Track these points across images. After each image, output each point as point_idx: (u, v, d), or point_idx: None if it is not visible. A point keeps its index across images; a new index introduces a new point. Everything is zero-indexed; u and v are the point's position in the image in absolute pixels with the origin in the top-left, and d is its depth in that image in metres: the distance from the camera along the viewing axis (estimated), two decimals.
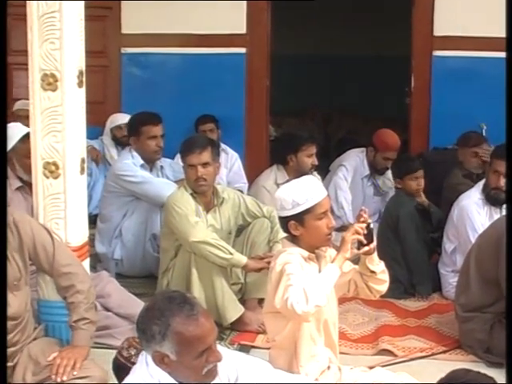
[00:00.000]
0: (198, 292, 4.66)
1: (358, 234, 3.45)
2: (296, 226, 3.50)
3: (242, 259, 4.76)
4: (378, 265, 3.57)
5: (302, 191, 3.51)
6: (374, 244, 3.50)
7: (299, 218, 3.49)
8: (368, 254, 3.51)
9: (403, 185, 5.70)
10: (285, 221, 3.55)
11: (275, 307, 3.41)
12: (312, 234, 3.52)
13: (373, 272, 3.56)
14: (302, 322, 3.43)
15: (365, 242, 3.46)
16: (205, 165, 4.92)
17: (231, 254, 4.74)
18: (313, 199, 3.50)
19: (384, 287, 3.67)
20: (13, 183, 4.66)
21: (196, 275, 4.75)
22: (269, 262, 4.06)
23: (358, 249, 3.49)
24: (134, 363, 3.20)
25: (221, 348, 2.86)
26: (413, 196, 5.69)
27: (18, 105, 7.66)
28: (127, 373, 2.99)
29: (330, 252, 3.63)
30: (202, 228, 4.82)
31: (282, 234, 3.81)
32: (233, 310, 4.79)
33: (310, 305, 3.25)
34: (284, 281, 3.37)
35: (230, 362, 2.96)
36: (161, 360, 2.73)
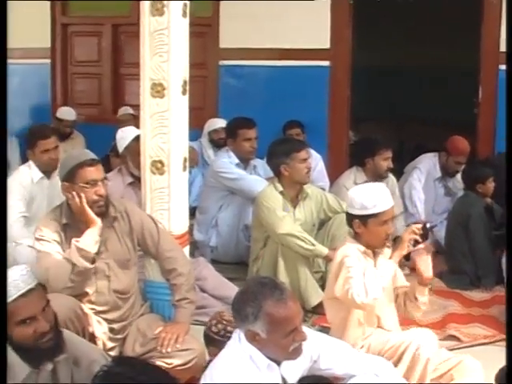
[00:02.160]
0: (284, 279, 4.65)
1: (415, 233, 3.53)
2: (359, 225, 3.55)
3: (324, 250, 4.75)
4: (424, 296, 3.60)
5: (372, 197, 3.54)
6: (428, 243, 3.56)
7: (364, 219, 3.53)
8: (423, 283, 3.55)
9: (484, 189, 5.60)
10: (351, 217, 3.59)
11: (334, 294, 3.50)
12: (371, 236, 3.55)
13: (416, 299, 3.59)
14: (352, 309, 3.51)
15: (420, 240, 3.53)
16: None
17: (314, 245, 4.74)
18: (380, 207, 3.52)
19: (417, 315, 3.70)
20: (125, 179, 4.75)
21: (282, 264, 4.77)
22: None
23: (414, 246, 3.54)
24: (221, 336, 3.26)
25: (305, 329, 2.86)
26: (484, 197, 5.60)
27: (120, 111, 7.86)
28: (215, 345, 3.17)
29: (386, 250, 3.68)
30: (288, 221, 4.82)
31: None
32: (315, 296, 4.78)
33: (370, 297, 3.35)
34: (344, 272, 3.45)
35: (313, 341, 2.96)
36: (252, 338, 2.75)
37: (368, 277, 3.40)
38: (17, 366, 2.71)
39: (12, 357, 2.71)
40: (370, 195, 3.53)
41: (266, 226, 4.87)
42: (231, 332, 3.17)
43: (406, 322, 3.93)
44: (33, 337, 2.67)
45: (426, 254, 3.56)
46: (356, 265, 3.44)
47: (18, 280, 2.68)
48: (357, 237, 3.59)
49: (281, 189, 4.96)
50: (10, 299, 2.65)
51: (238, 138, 5.83)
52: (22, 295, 2.67)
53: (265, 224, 4.87)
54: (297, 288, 4.69)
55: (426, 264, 3.55)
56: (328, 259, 4.79)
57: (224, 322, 3.34)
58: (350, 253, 3.51)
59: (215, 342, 3.33)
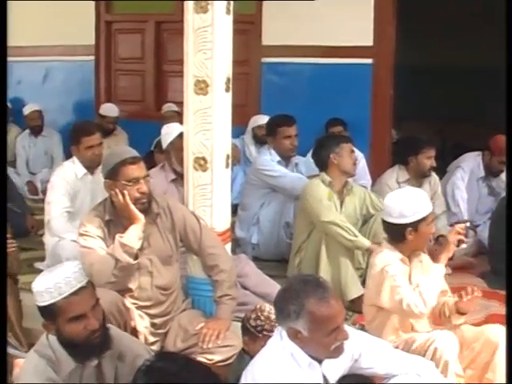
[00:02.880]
0: (325, 266, 4.72)
1: (460, 234, 3.60)
2: (411, 231, 3.55)
3: (366, 242, 4.74)
4: (457, 319, 3.63)
5: (420, 201, 3.57)
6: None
7: (415, 225, 3.54)
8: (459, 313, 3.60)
9: None
10: (401, 227, 3.56)
11: (377, 302, 3.54)
12: (420, 239, 3.58)
13: (449, 317, 3.66)
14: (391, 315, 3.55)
15: (465, 240, 3.63)
16: None
17: (356, 236, 4.75)
18: (428, 207, 3.58)
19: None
20: (168, 176, 4.78)
21: (325, 252, 4.78)
22: None
23: (457, 246, 3.61)
24: (258, 331, 3.30)
25: (347, 327, 2.85)
26: None
27: (164, 108, 7.90)
28: (250, 337, 3.26)
29: (422, 255, 3.71)
30: (333, 211, 4.86)
31: None
32: (354, 288, 4.75)
33: (428, 306, 3.40)
34: (389, 281, 3.46)
35: (355, 340, 2.95)
36: (294, 335, 2.75)
37: (423, 285, 3.44)
38: (63, 361, 2.75)
39: (58, 352, 2.74)
40: (417, 200, 3.57)
41: (310, 214, 4.88)
42: (267, 330, 3.24)
43: None
44: (83, 334, 2.70)
45: (478, 297, 3.63)
46: (399, 272, 3.47)
47: (71, 277, 2.71)
48: (394, 243, 3.61)
49: (329, 179, 4.97)
50: (61, 296, 2.68)
51: (278, 135, 5.84)
52: (74, 293, 2.69)
53: (310, 211, 4.88)
54: (337, 278, 4.72)
55: (472, 305, 3.62)
56: (370, 252, 4.78)
57: (262, 318, 3.34)
58: (390, 260, 3.52)
59: (251, 333, 3.35)
